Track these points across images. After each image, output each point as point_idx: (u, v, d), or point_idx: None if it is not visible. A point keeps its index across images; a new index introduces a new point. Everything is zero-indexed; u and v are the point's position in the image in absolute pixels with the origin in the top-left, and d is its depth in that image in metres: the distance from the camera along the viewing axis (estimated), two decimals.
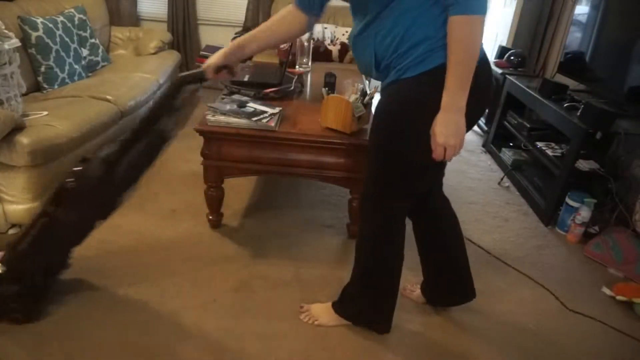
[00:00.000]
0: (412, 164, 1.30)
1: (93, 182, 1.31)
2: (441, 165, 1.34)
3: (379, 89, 1.41)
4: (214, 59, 1.45)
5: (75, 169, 1.32)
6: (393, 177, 1.32)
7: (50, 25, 2.51)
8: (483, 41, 1.16)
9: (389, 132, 1.27)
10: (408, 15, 1.15)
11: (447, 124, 1.14)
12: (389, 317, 1.56)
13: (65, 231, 1.41)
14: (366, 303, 1.55)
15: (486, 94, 1.28)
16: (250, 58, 1.49)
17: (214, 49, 4.67)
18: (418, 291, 1.74)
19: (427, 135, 1.19)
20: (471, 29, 1.08)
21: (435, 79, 1.15)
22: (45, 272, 1.48)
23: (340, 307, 1.60)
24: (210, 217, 2.06)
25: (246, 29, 4.23)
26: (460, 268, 1.62)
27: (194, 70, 1.48)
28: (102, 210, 1.41)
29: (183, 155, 2.76)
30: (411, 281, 1.77)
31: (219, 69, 1.47)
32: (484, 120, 3.63)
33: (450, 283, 1.65)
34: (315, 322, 1.60)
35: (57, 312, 1.53)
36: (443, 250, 1.61)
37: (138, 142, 1.36)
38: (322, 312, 1.62)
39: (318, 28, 3.82)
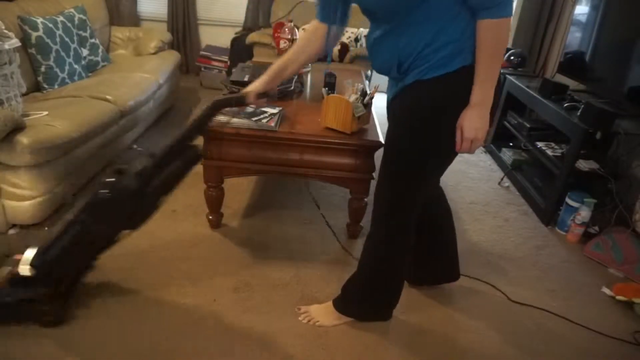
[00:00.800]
0: (431, 163, 1.34)
1: (126, 194, 1.33)
2: (452, 161, 1.42)
3: (388, 86, 1.43)
4: (255, 87, 1.48)
5: (109, 179, 1.34)
6: (411, 177, 1.35)
7: (50, 25, 2.51)
8: None
9: (410, 132, 1.30)
10: (433, 21, 1.18)
11: (475, 119, 1.20)
12: (393, 307, 1.62)
13: (95, 239, 1.44)
14: (372, 300, 1.57)
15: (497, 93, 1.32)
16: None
17: (214, 49, 4.68)
18: None
19: (446, 134, 1.25)
20: (500, 31, 1.15)
21: (456, 81, 1.21)
22: (73, 276, 1.53)
23: (343, 305, 1.60)
24: (210, 217, 2.06)
25: (246, 29, 4.24)
26: (451, 250, 1.74)
27: (234, 95, 1.51)
28: (131, 222, 1.43)
29: None
30: None
31: (261, 95, 1.50)
32: None
33: (440, 263, 1.75)
34: (317, 323, 1.60)
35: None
36: (438, 231, 1.69)
37: (172, 159, 1.38)
38: (322, 313, 1.62)
39: None
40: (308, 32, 1.46)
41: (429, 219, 1.62)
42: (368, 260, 1.52)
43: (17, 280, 1.42)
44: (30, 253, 1.41)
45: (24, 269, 1.39)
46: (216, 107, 1.46)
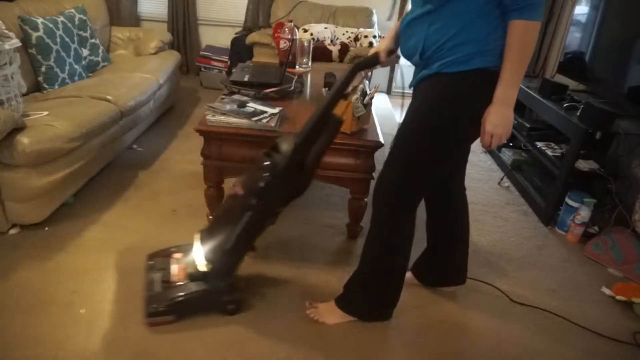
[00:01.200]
0: (441, 151, 1.37)
1: (286, 172, 1.41)
2: (463, 154, 1.47)
3: (414, 73, 1.45)
4: (385, 43, 1.52)
5: (266, 163, 1.40)
6: (420, 164, 1.38)
7: (51, 25, 2.51)
8: None
9: (425, 120, 1.35)
10: (467, 14, 1.21)
11: (497, 115, 1.24)
12: (393, 306, 1.63)
13: (265, 222, 1.53)
14: (374, 297, 1.58)
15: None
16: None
17: (214, 49, 4.68)
18: (408, 273, 1.79)
19: (449, 128, 1.32)
20: (530, 33, 1.18)
21: (471, 80, 1.26)
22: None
23: (345, 303, 1.61)
24: (210, 217, 2.06)
25: (246, 29, 4.24)
26: (464, 253, 1.75)
27: (369, 55, 1.56)
28: (294, 193, 1.52)
29: (183, 155, 2.76)
30: None
31: (390, 52, 1.52)
32: None
33: (451, 265, 1.77)
34: (320, 320, 1.61)
35: None
36: (454, 233, 1.70)
37: (320, 129, 1.43)
38: (327, 311, 1.63)
39: (319, 28, 3.82)
40: None
41: (446, 219, 1.66)
42: (372, 254, 1.53)
43: (196, 275, 1.55)
44: (200, 248, 1.53)
45: (202, 266, 1.52)
46: (354, 71, 1.47)
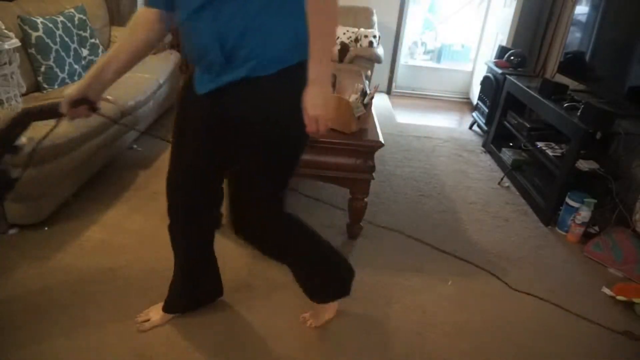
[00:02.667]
0: (297, 152, 1.27)
1: None
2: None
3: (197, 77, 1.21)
4: (76, 88, 1.21)
5: None
6: (284, 171, 1.27)
7: (50, 25, 2.51)
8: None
9: (274, 130, 1.18)
10: None
11: (317, 96, 1.10)
12: (351, 279, 1.56)
13: None
14: (329, 277, 1.53)
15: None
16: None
17: None
18: (157, 316, 1.55)
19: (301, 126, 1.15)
20: (323, 1, 1.05)
21: (298, 74, 1.10)
22: None
23: (314, 295, 1.55)
24: None
25: None
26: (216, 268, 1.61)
27: (47, 103, 1.20)
28: None
29: None
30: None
31: (76, 102, 1.20)
32: (483, 121, 3.63)
33: (209, 283, 1.62)
34: (321, 322, 1.60)
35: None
36: (209, 246, 1.56)
37: None
38: (314, 314, 1.61)
39: None
40: (132, 21, 1.24)
41: (201, 233, 1.50)
42: (302, 253, 1.44)
43: None
44: None
45: None
46: (23, 121, 1.16)
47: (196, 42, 1.11)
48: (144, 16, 1.21)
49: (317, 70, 1.09)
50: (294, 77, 1.11)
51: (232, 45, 1.07)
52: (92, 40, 2.99)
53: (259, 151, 1.21)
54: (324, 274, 1.52)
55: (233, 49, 1.08)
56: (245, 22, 1.05)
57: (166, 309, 1.55)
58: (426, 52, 5.45)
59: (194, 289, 1.57)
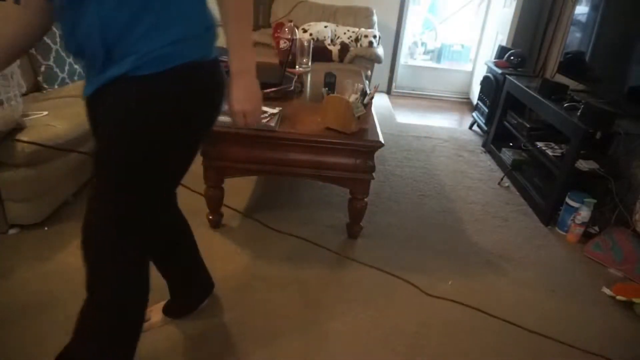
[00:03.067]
0: (168, 170, 1.06)
1: None
2: (186, 168, 1.09)
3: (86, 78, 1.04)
4: None
5: None
6: (146, 185, 1.03)
7: None
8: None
9: (140, 140, 0.98)
10: None
11: (243, 90, 1.04)
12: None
13: None
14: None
15: (209, 98, 1.06)
16: None
17: None
18: (157, 317, 1.52)
19: (185, 141, 1.04)
20: None
21: (188, 76, 0.98)
22: None
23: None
24: (210, 217, 2.06)
25: None
26: (202, 265, 1.54)
27: None
28: None
29: None
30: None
31: None
32: (483, 121, 3.63)
33: (199, 285, 1.56)
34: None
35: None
36: (188, 256, 1.48)
37: None
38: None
39: (319, 27, 3.82)
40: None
41: (178, 246, 1.42)
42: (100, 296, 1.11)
43: None
44: None
45: None
46: None
47: (77, 31, 0.92)
48: (9, 9, 1.02)
49: (238, 60, 1.02)
50: (178, 78, 0.96)
51: (115, 36, 0.90)
52: None
53: (107, 134, 0.99)
54: (103, 337, 1.11)
55: (116, 41, 0.91)
56: (133, 7, 0.88)
57: (165, 311, 1.54)
58: (426, 52, 5.45)
59: (186, 296, 1.54)
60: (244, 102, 1.05)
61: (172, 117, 0.98)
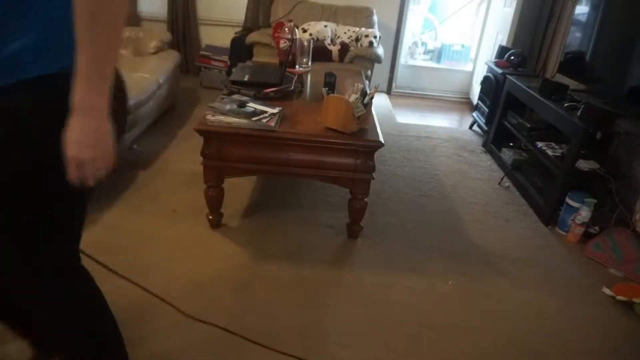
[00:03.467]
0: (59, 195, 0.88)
1: None
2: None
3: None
4: None
5: None
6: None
7: None
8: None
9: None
10: None
11: (82, 131, 0.77)
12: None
13: None
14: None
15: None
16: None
17: (214, 49, 4.68)
18: None
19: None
20: None
21: (41, 92, 0.80)
22: None
23: None
24: (210, 217, 2.06)
25: (246, 28, 4.23)
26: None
27: None
28: None
29: (183, 155, 2.76)
30: None
31: None
32: (484, 121, 3.63)
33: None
34: None
35: None
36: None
37: None
38: None
39: (319, 27, 3.82)
40: None
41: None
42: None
43: None
44: None
45: None
46: None
47: None
48: None
49: (83, 94, 0.75)
50: (30, 96, 0.79)
51: None
52: None
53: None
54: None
55: None
56: None
57: None
58: (426, 52, 5.45)
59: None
60: (84, 148, 0.77)
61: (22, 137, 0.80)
